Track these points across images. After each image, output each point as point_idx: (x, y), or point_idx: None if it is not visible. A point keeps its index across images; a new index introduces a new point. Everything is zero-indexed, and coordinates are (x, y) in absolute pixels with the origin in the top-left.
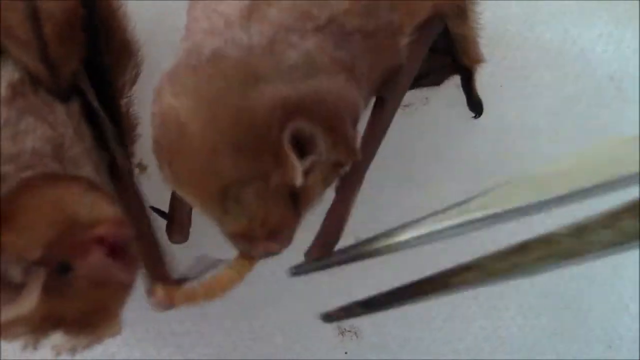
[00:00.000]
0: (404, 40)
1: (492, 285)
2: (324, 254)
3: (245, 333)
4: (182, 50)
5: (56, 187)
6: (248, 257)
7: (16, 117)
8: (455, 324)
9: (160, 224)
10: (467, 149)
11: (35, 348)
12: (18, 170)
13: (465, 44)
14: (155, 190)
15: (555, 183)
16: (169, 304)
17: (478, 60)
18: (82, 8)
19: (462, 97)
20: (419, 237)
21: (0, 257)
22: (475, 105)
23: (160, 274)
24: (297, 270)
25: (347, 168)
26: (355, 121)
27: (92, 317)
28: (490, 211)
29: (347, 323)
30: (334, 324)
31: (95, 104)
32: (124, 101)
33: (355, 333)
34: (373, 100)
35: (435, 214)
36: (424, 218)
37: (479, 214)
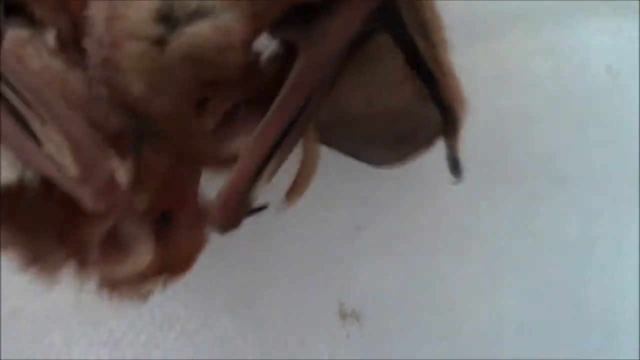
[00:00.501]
0: None
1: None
2: (231, 219)
3: (248, 317)
4: None
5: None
6: None
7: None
8: (455, 310)
9: None
10: (466, 140)
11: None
12: None
13: (434, 62)
14: None
15: None
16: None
17: (459, 99)
18: None
19: None
20: None
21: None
22: (454, 165)
23: None
24: None
25: None
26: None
27: (187, 261)
28: None
29: (349, 307)
30: (336, 309)
31: None
32: None
33: (357, 317)
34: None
35: None
36: None
37: None
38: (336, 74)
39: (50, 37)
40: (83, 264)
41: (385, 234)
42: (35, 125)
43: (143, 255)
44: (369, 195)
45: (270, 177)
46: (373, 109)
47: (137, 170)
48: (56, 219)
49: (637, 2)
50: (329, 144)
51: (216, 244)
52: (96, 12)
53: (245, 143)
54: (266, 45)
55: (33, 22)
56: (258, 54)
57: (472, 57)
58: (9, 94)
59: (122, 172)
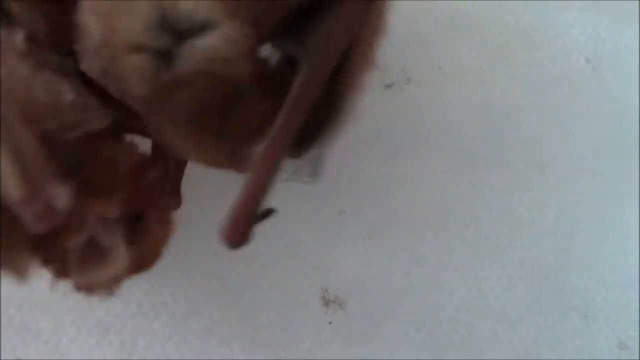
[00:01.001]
0: None
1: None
2: (240, 237)
3: (234, 305)
4: None
5: (109, 144)
6: None
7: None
8: (436, 295)
9: None
10: (448, 129)
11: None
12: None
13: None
14: None
15: None
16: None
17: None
18: None
19: (444, 77)
20: None
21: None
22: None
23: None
24: None
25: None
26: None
27: (156, 254)
28: None
29: (332, 294)
30: (319, 295)
31: None
32: None
33: (340, 304)
34: None
35: None
36: None
37: None
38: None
39: (20, 36)
40: (61, 272)
41: (368, 221)
42: None
43: (119, 260)
44: (352, 182)
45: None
46: None
47: (107, 174)
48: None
49: None
50: None
51: (201, 233)
52: (89, 18)
53: (252, 159)
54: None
55: (6, 20)
56: (265, 61)
57: (455, 48)
58: None
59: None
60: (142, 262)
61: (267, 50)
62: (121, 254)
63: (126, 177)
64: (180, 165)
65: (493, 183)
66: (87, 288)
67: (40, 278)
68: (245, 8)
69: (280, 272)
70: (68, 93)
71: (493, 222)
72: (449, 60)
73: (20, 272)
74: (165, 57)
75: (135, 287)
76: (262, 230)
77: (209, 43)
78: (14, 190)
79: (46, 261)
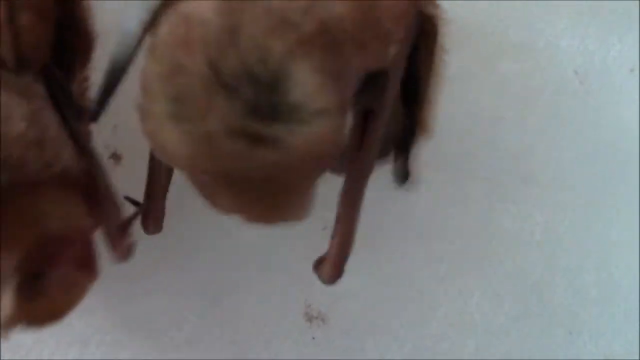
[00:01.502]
0: (394, 48)
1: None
2: (340, 273)
3: (215, 319)
4: None
5: (32, 195)
6: None
7: None
8: (421, 309)
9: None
10: (434, 140)
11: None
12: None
13: (424, 97)
14: (130, 180)
15: None
16: None
17: (426, 126)
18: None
19: None
20: None
21: None
22: (402, 174)
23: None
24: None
25: None
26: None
27: (53, 313)
28: None
29: (315, 309)
30: (302, 311)
31: (64, 84)
32: (84, 92)
33: (323, 319)
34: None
35: None
36: None
37: None
38: None
39: None
40: None
41: None
42: None
43: (11, 306)
44: (336, 197)
45: None
46: None
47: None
48: None
49: (604, 4)
50: None
51: (183, 246)
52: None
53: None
54: None
55: None
56: None
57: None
58: None
59: None
60: (33, 316)
61: None
62: (7, 305)
63: (34, 236)
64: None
65: (478, 195)
66: None
67: None
68: (347, 97)
69: (263, 287)
70: (18, 123)
71: (478, 235)
72: None
73: None
74: (256, 140)
75: (117, 300)
76: (245, 245)
77: (319, 130)
78: None
79: None
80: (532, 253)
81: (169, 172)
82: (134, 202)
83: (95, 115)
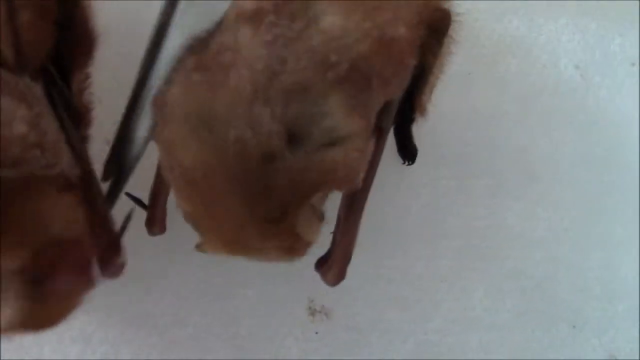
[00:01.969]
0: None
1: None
2: (343, 277)
3: (219, 314)
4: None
5: (34, 199)
6: None
7: None
8: (424, 305)
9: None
10: (436, 137)
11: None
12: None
13: (427, 84)
14: (134, 178)
15: None
16: None
17: (425, 109)
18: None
19: None
20: None
21: None
22: (411, 153)
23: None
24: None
25: None
26: (365, 167)
27: (51, 319)
28: None
29: (318, 304)
30: (305, 305)
31: (62, 85)
32: (83, 91)
33: (326, 314)
34: None
35: None
36: None
37: None
38: None
39: None
40: None
41: None
42: None
43: (7, 310)
44: (336, 196)
45: None
46: None
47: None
48: None
49: (604, 1)
50: None
51: (185, 242)
52: None
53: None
54: None
55: None
56: None
57: None
58: None
59: None
60: (34, 323)
61: None
62: (12, 307)
63: (36, 240)
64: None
65: (481, 192)
66: None
67: None
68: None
69: (267, 282)
70: (20, 125)
71: (481, 232)
72: None
73: None
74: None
75: (119, 296)
76: None
77: (339, 154)
78: None
79: None
80: (535, 249)
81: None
82: (136, 200)
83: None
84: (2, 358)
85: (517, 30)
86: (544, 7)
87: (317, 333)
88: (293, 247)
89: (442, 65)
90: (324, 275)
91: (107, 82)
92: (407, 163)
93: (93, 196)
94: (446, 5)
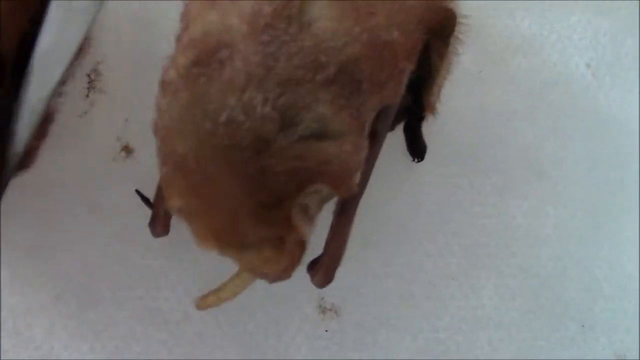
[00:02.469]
0: (405, 81)
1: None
2: (330, 280)
3: (228, 311)
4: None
5: None
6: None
7: None
8: (433, 303)
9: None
10: (445, 134)
11: None
12: None
13: (434, 84)
14: (140, 173)
15: None
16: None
17: (434, 108)
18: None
19: None
20: None
21: None
22: (420, 150)
23: None
24: None
25: None
26: (359, 167)
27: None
28: None
29: (328, 302)
30: (315, 303)
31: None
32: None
33: (336, 312)
34: None
35: None
36: None
37: None
38: None
39: None
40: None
41: (364, 228)
42: None
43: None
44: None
45: None
46: None
47: None
48: None
49: (616, 0)
50: None
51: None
52: None
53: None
54: None
55: None
56: None
57: None
58: None
59: None
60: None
61: None
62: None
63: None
64: None
65: (490, 190)
66: None
67: (32, 283)
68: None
69: None
70: None
71: (490, 230)
72: None
73: None
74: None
75: (129, 292)
76: None
77: (333, 148)
78: None
79: None
80: (543, 247)
81: None
82: (143, 198)
83: None
84: (13, 354)
85: (528, 29)
86: (556, 5)
87: (327, 331)
88: (284, 240)
89: (449, 66)
90: (312, 277)
91: (117, 79)
92: (416, 160)
93: None
94: (451, 5)
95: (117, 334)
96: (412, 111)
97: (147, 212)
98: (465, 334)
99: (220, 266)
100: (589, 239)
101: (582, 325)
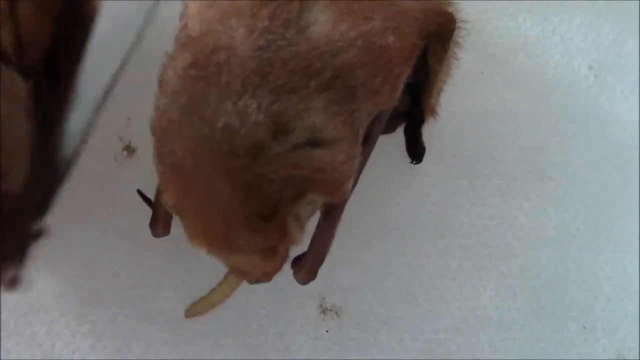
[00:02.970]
0: (402, 86)
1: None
2: (313, 277)
3: (230, 311)
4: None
5: None
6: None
7: None
8: (434, 304)
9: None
10: (447, 136)
11: None
12: None
13: (434, 88)
14: (143, 172)
15: None
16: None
17: (434, 111)
18: None
19: None
20: None
21: None
22: (419, 152)
23: None
24: None
25: None
26: (353, 174)
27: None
28: None
29: (329, 302)
30: (316, 303)
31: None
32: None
33: (337, 312)
34: None
35: None
36: None
37: None
38: None
39: None
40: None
41: (365, 229)
42: None
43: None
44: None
45: None
46: None
47: None
48: None
49: (618, 1)
50: None
51: None
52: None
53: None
54: None
55: None
56: None
57: None
58: None
59: None
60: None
61: None
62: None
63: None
64: None
65: (492, 191)
66: None
67: (34, 282)
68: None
69: (278, 279)
70: None
71: (491, 231)
72: None
73: None
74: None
75: (130, 292)
76: None
77: (327, 155)
78: None
79: None
80: (544, 249)
81: None
82: (145, 198)
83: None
84: (14, 353)
85: (530, 30)
86: (559, 7)
87: (327, 331)
88: (277, 250)
89: (448, 70)
90: (295, 273)
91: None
92: (414, 162)
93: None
94: (451, 9)
95: (118, 334)
96: (412, 114)
97: (148, 212)
98: (466, 335)
99: (221, 266)
100: (591, 240)
101: (583, 326)
